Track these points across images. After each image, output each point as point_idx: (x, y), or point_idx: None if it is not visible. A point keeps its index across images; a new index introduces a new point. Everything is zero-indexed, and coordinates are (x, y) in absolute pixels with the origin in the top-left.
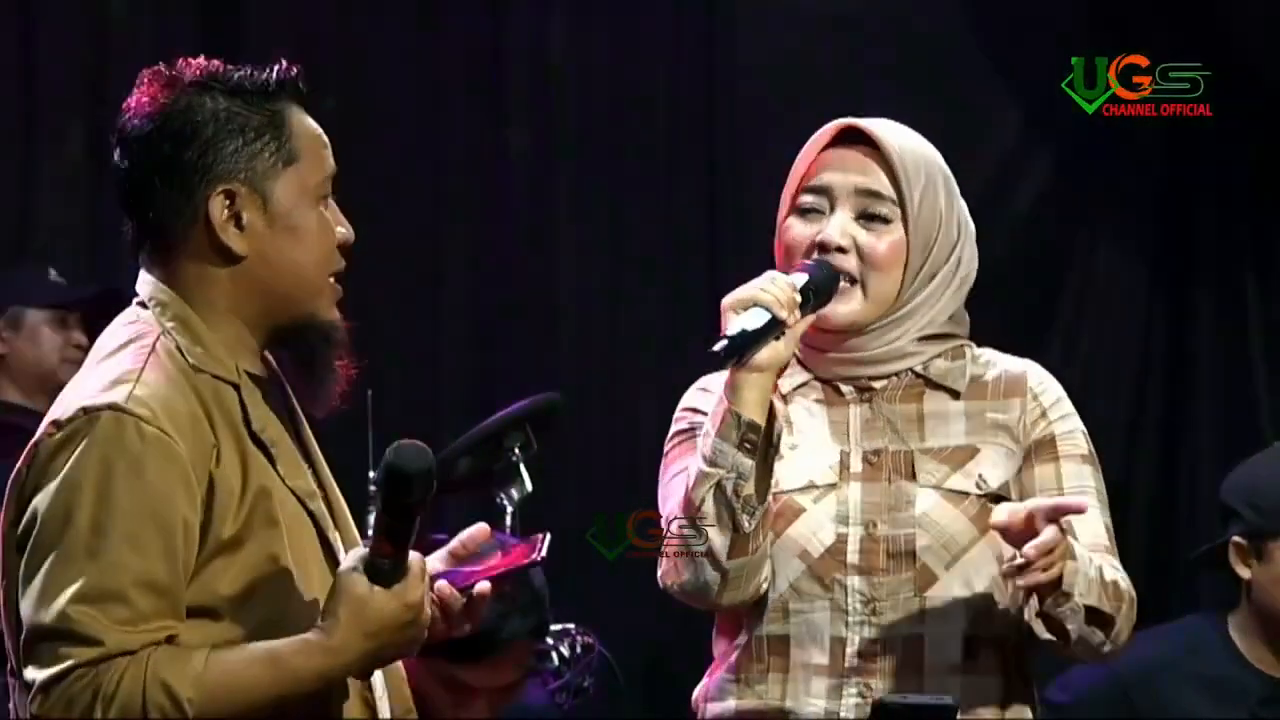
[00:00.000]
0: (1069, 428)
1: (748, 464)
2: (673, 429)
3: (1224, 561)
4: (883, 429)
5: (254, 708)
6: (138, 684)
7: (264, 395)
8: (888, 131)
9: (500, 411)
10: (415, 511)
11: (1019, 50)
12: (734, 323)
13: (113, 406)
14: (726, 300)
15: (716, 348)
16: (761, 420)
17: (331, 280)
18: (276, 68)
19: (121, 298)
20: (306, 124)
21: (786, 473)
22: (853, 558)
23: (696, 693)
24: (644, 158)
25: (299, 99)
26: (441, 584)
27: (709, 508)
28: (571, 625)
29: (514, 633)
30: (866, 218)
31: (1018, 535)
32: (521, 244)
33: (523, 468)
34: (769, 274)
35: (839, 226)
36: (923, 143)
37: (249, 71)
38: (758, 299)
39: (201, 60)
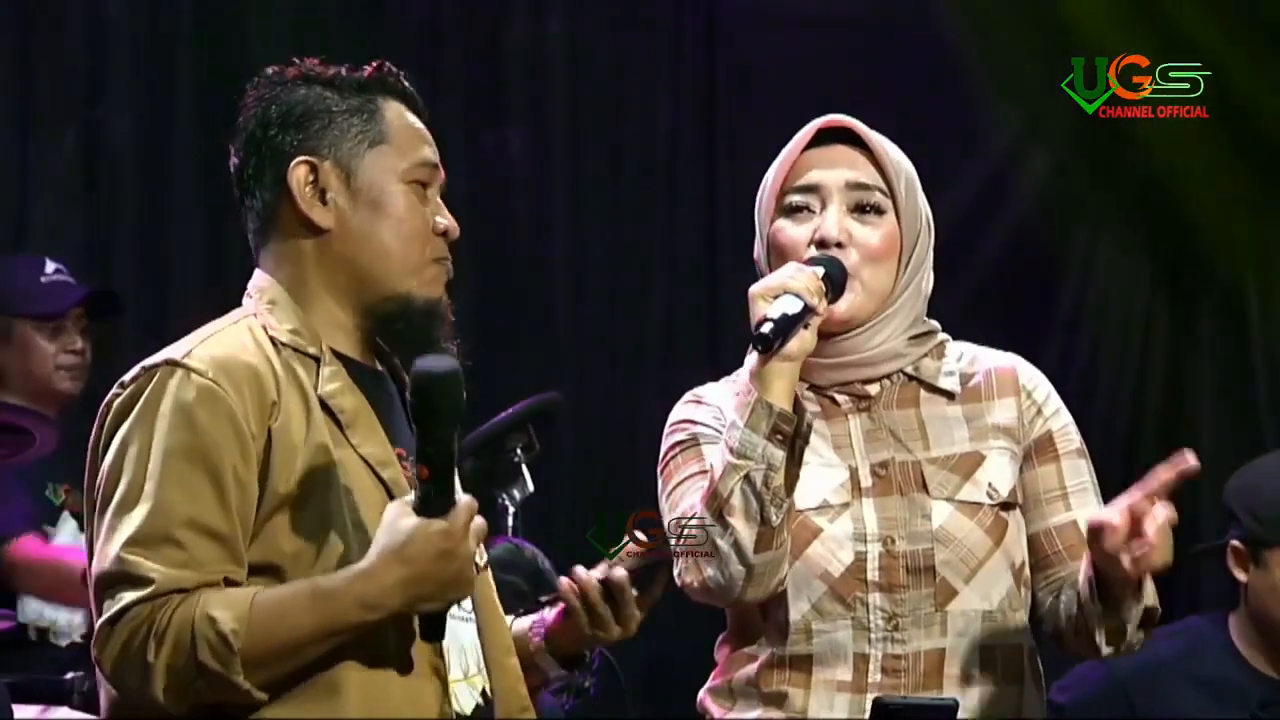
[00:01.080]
0: (1063, 422)
1: (779, 455)
2: (669, 440)
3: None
4: (885, 439)
5: (301, 641)
6: (188, 619)
7: (355, 375)
8: (862, 126)
9: (502, 413)
10: (445, 424)
11: (1018, 49)
12: (769, 309)
13: (169, 361)
14: (755, 289)
15: (765, 330)
16: (790, 410)
17: (433, 260)
18: (376, 65)
19: (115, 300)
20: (403, 116)
21: (798, 491)
22: (873, 575)
23: (704, 696)
24: (643, 157)
25: (402, 97)
26: (579, 569)
27: (736, 500)
28: None
29: None
30: (860, 210)
31: (1113, 534)
32: (521, 244)
33: (525, 468)
34: (792, 264)
35: (836, 222)
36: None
37: (349, 67)
38: (788, 286)
39: (311, 60)
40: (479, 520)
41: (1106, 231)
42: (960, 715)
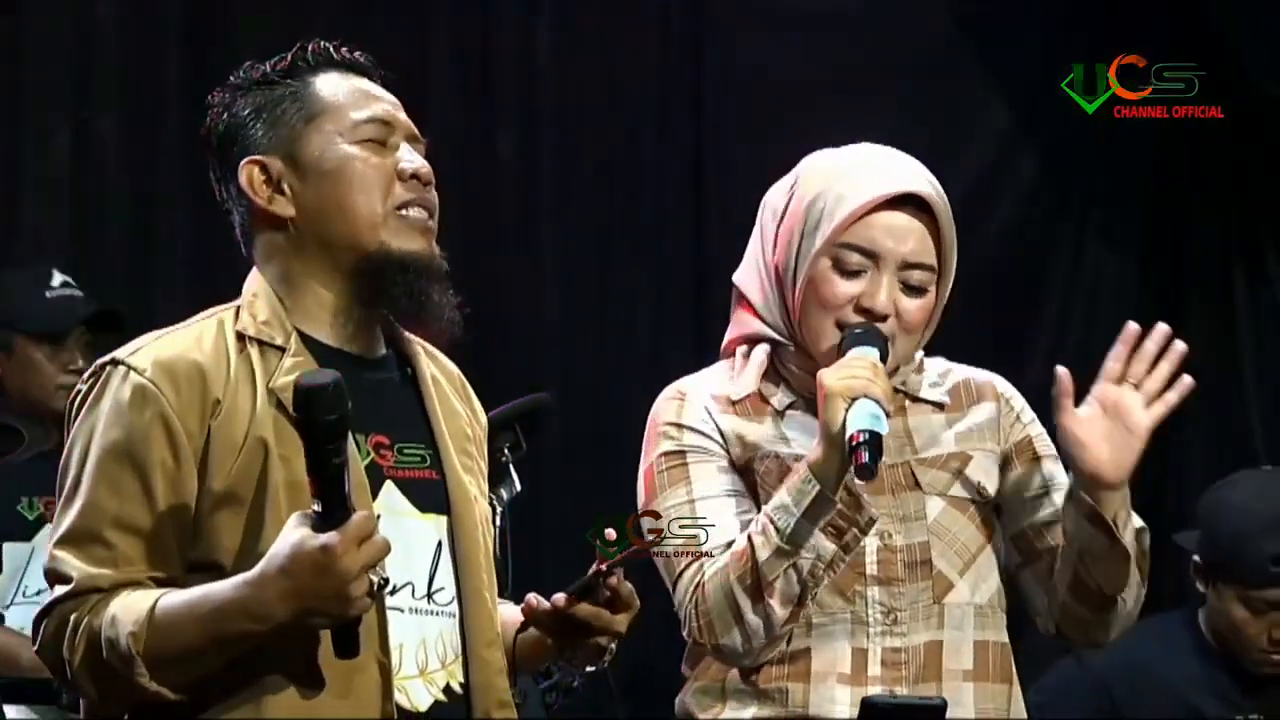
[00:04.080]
0: (1039, 430)
1: (829, 548)
2: (659, 447)
3: None
4: None
5: (197, 647)
6: (99, 619)
7: (331, 363)
8: (935, 195)
9: (489, 412)
10: (326, 438)
11: (1004, 50)
12: (857, 423)
13: (113, 360)
14: (833, 384)
15: (865, 461)
16: (845, 507)
17: (398, 207)
18: (301, 44)
19: (119, 318)
20: (333, 81)
21: None
22: (871, 569)
23: (688, 700)
24: (631, 159)
25: (336, 65)
26: (531, 595)
27: (780, 584)
28: None
29: None
30: (908, 289)
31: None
32: (508, 245)
33: (512, 468)
34: (863, 359)
35: (888, 295)
36: (936, 182)
37: (282, 57)
38: (869, 392)
39: (246, 63)
40: (377, 539)
41: (1094, 233)
42: (954, 713)
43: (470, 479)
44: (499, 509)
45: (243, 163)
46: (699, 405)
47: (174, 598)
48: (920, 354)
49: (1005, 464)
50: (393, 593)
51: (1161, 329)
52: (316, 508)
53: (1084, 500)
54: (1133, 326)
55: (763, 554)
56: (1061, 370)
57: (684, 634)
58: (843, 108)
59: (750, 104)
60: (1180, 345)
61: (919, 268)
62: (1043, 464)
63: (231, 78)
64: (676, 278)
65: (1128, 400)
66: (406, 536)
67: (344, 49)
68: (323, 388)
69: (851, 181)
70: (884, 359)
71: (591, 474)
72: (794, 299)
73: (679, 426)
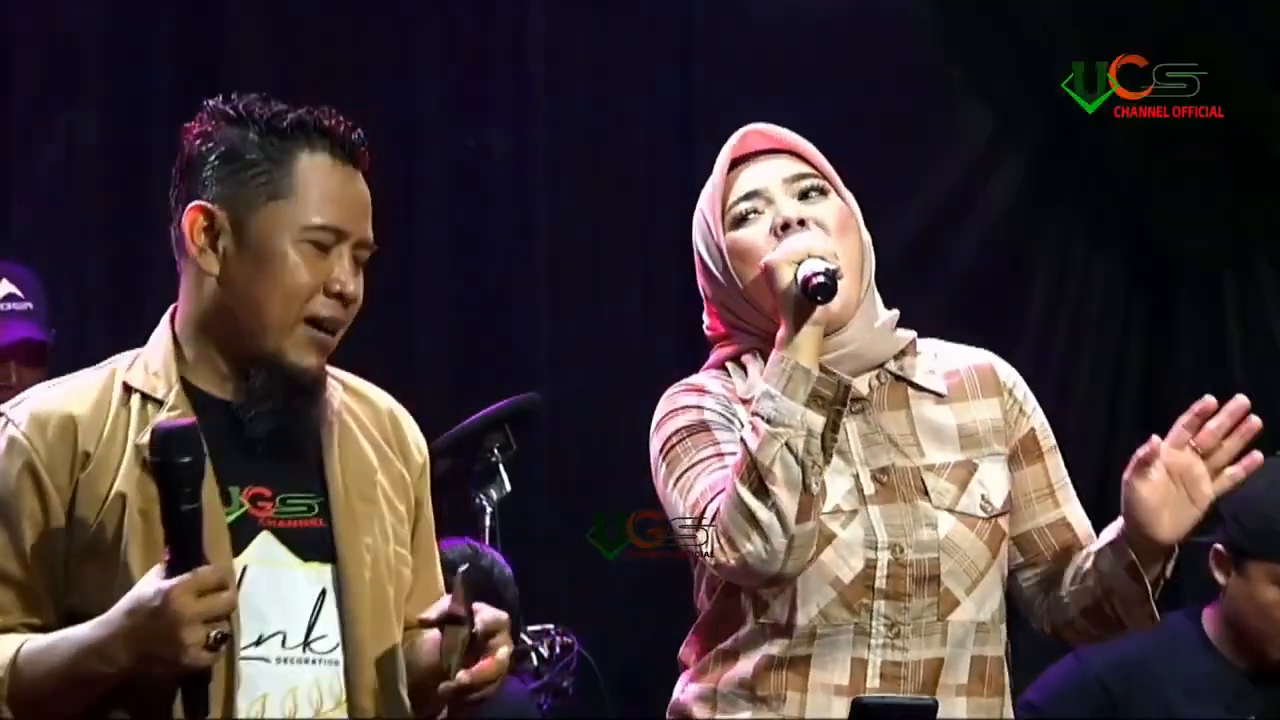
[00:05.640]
0: (1041, 419)
1: (818, 420)
2: (672, 425)
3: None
4: (883, 444)
5: (57, 687)
6: None
7: (216, 415)
8: (774, 132)
9: (479, 412)
10: (178, 481)
11: (991, 49)
12: (809, 267)
13: (0, 414)
14: (775, 257)
15: (821, 280)
16: (823, 373)
17: (306, 319)
18: (307, 110)
19: (42, 345)
20: (319, 172)
21: None
22: (880, 583)
23: (687, 701)
24: (623, 159)
25: (329, 148)
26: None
27: (778, 469)
28: (551, 625)
29: None
30: (804, 196)
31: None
32: (500, 245)
33: (502, 468)
34: (801, 236)
35: (791, 207)
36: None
37: (281, 109)
38: (812, 251)
39: (251, 96)
40: (223, 594)
41: (1081, 231)
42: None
43: (373, 524)
44: (488, 509)
45: (190, 205)
46: (717, 394)
47: (37, 642)
48: (911, 334)
49: (1012, 461)
50: (259, 643)
51: (1239, 401)
52: (168, 555)
53: (1127, 554)
54: (1209, 400)
55: (754, 444)
56: (1156, 439)
57: (711, 566)
58: (834, 110)
59: (742, 105)
60: (1255, 421)
61: (801, 177)
62: (1046, 461)
63: (231, 100)
64: (668, 279)
65: (1195, 470)
66: (282, 586)
67: (343, 131)
68: (174, 430)
69: (714, 174)
70: (833, 279)
71: (582, 474)
72: (738, 282)
73: (699, 408)
